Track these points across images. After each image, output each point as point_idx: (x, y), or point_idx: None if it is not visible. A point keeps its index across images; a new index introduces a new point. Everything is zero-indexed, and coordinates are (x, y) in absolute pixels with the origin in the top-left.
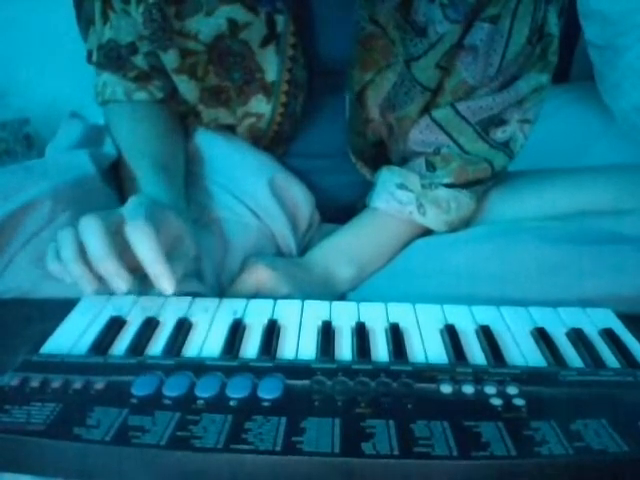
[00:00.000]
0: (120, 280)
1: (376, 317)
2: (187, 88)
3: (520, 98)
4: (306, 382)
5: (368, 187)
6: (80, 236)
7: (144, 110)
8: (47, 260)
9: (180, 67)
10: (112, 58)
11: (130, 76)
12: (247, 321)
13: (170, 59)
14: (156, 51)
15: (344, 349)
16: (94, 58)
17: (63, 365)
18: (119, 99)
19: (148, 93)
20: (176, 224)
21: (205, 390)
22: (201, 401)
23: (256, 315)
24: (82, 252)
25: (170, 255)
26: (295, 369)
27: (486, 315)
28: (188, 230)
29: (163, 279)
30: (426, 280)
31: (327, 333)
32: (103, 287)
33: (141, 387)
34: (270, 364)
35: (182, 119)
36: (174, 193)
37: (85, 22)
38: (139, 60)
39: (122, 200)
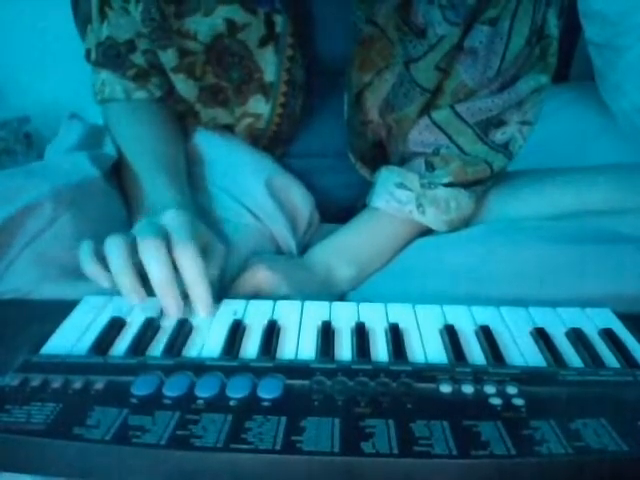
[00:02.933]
0: (175, 305)
1: (376, 317)
2: (185, 87)
3: (520, 99)
4: (306, 382)
5: (368, 187)
6: (141, 256)
7: (144, 109)
8: (82, 260)
9: (178, 66)
10: (111, 56)
11: (129, 75)
12: (247, 321)
13: (168, 58)
14: (154, 49)
15: (344, 349)
16: (92, 56)
17: (63, 365)
18: (118, 98)
19: (147, 92)
20: (204, 231)
21: (205, 390)
22: (201, 401)
23: (256, 315)
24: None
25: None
26: (295, 369)
27: (486, 315)
28: (212, 233)
29: (201, 303)
30: (426, 279)
31: (327, 333)
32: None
33: (141, 387)
34: (270, 364)
35: (181, 119)
36: (179, 192)
37: (82, 21)
38: (138, 58)
39: (124, 201)
